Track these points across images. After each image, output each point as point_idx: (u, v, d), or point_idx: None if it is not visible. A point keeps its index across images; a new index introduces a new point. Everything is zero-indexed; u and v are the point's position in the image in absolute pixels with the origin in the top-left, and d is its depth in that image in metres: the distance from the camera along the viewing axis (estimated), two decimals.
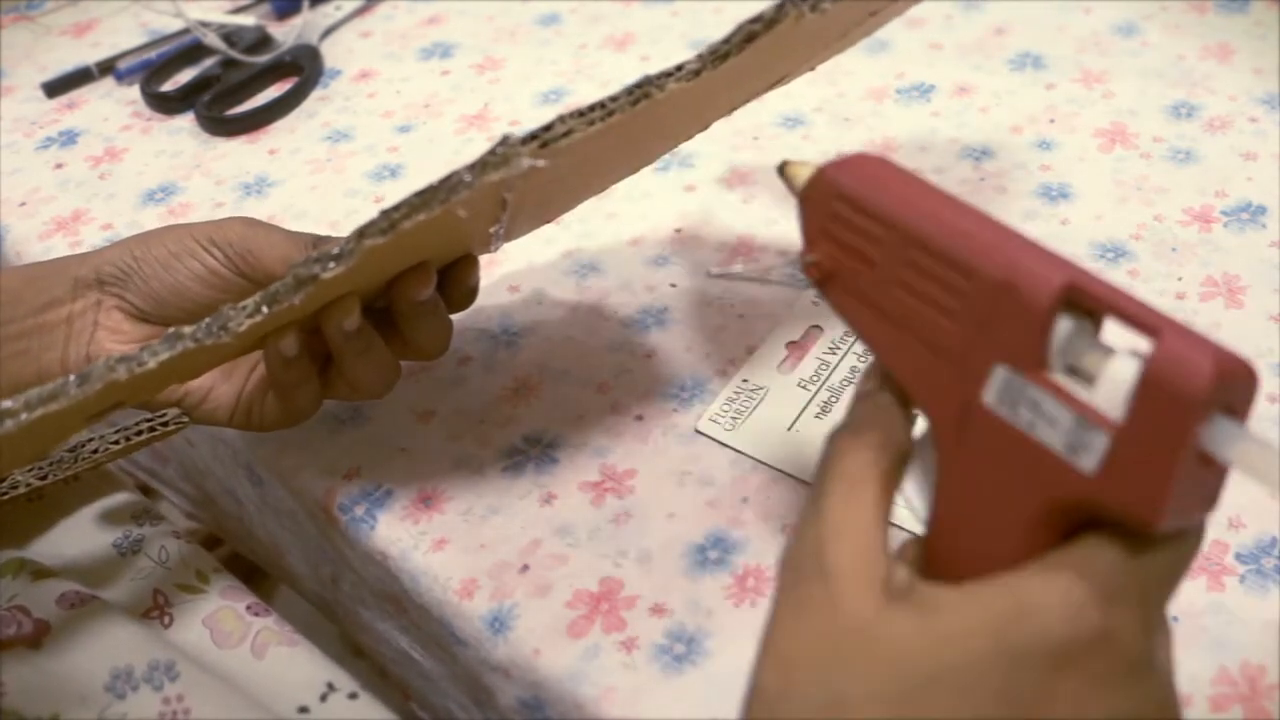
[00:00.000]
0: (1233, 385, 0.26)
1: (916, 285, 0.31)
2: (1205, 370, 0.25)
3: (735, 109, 0.48)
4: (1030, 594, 0.26)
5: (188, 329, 0.35)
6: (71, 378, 0.33)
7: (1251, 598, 0.40)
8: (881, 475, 0.30)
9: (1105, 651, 0.25)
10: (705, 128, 0.48)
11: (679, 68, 0.36)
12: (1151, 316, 0.27)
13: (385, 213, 0.34)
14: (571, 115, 0.35)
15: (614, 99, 0.35)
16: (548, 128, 0.35)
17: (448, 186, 0.34)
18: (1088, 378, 0.27)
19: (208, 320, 0.35)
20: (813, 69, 0.51)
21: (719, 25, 0.71)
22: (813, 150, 0.60)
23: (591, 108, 0.35)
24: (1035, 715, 0.25)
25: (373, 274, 0.40)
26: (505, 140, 0.34)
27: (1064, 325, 0.28)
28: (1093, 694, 0.25)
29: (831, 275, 0.33)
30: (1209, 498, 0.27)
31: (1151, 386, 0.26)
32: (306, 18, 0.74)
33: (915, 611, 0.27)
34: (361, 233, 0.34)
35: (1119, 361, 0.27)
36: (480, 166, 0.34)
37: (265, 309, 0.35)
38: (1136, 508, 0.26)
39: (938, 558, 0.30)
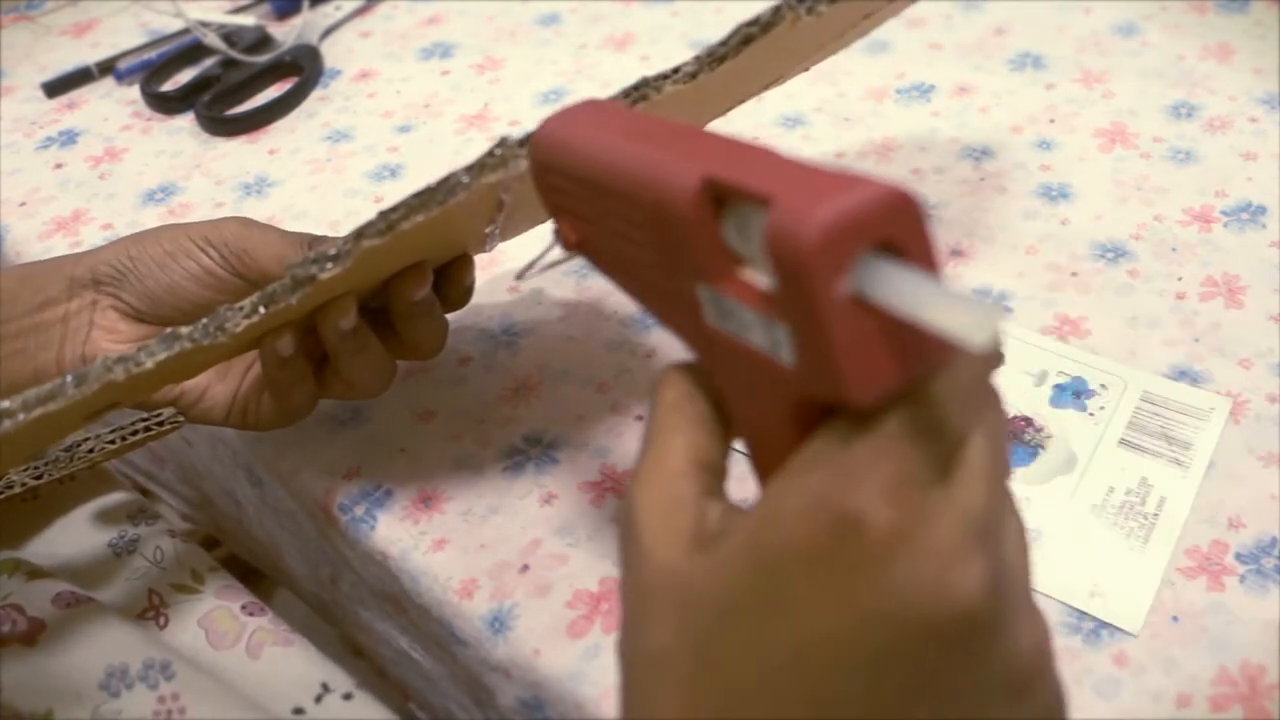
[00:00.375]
0: (872, 223, 0.23)
1: (619, 229, 0.30)
2: (812, 218, 0.22)
3: (731, 109, 0.48)
4: (774, 500, 0.25)
5: (185, 330, 0.35)
6: (69, 378, 0.33)
7: (1251, 598, 0.40)
8: (686, 423, 0.29)
9: (855, 537, 0.24)
10: (701, 129, 0.48)
11: (676, 70, 0.36)
12: (775, 181, 0.24)
13: (383, 214, 0.34)
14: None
15: (611, 100, 0.35)
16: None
17: (446, 188, 0.34)
18: (764, 267, 0.25)
19: (205, 321, 0.35)
20: (807, 69, 0.51)
21: (719, 25, 0.71)
22: (813, 150, 0.60)
23: None
24: (810, 621, 0.24)
25: (369, 274, 0.40)
26: (503, 142, 0.34)
27: (731, 218, 0.26)
28: (856, 583, 0.24)
29: (581, 244, 0.33)
30: (926, 348, 0.24)
31: (776, 256, 0.23)
32: (306, 18, 0.74)
33: (708, 548, 0.26)
34: (359, 233, 0.35)
35: (762, 241, 0.24)
36: (478, 168, 0.34)
37: (262, 309, 0.35)
38: (829, 387, 0.24)
39: (758, 473, 0.29)
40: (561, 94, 0.67)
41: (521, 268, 0.40)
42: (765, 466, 0.28)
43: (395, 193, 0.61)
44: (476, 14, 0.75)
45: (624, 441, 0.47)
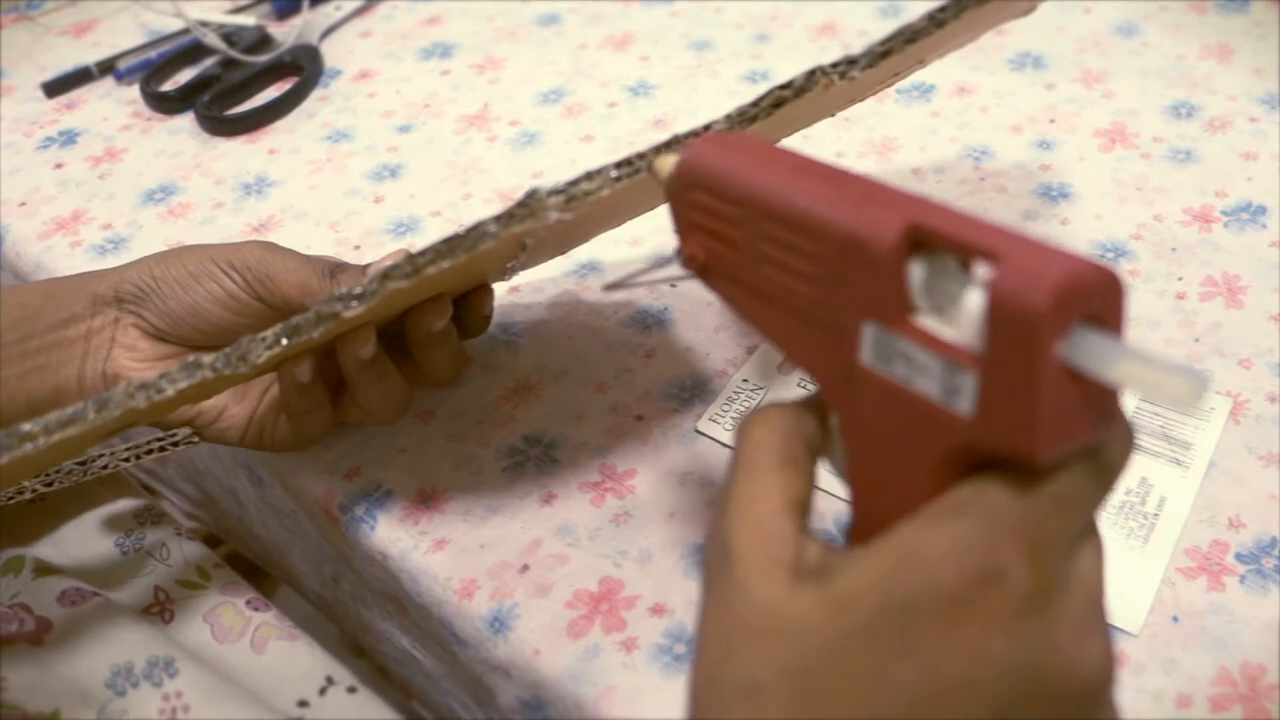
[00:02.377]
0: (1089, 294, 0.24)
1: (777, 258, 0.30)
2: (1045, 282, 0.24)
3: None
4: (914, 543, 0.26)
5: (207, 359, 0.35)
6: (90, 403, 0.34)
7: (1251, 598, 0.40)
8: (782, 459, 0.29)
9: (998, 591, 0.24)
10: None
11: (706, 127, 0.37)
12: (994, 239, 0.25)
13: (411, 258, 0.35)
14: (597, 172, 0.35)
15: (641, 156, 0.36)
16: (576, 182, 0.35)
17: (473, 236, 0.35)
18: (951, 317, 0.26)
19: (227, 350, 0.35)
20: (832, 115, 0.51)
21: (719, 25, 0.71)
22: (814, 150, 0.60)
23: (618, 165, 0.36)
24: (938, 665, 0.25)
25: (391, 308, 0.40)
26: (533, 194, 0.35)
27: (918, 268, 0.27)
28: (991, 636, 0.24)
29: (707, 265, 0.33)
30: (1101, 415, 0.26)
31: (998, 311, 0.25)
32: (306, 18, 0.74)
33: (817, 584, 0.26)
34: (386, 275, 0.35)
35: (970, 293, 0.26)
36: (507, 218, 0.35)
37: (285, 341, 0.36)
38: (1014, 441, 0.25)
39: (858, 525, 0.30)
40: (561, 94, 0.67)
41: (615, 280, 0.40)
42: (879, 509, 0.28)
43: (395, 192, 0.61)
44: (476, 14, 0.75)
45: (624, 441, 0.47)
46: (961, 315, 0.26)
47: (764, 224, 0.30)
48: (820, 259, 0.29)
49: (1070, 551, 0.26)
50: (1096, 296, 0.25)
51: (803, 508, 0.29)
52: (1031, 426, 0.24)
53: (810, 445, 0.30)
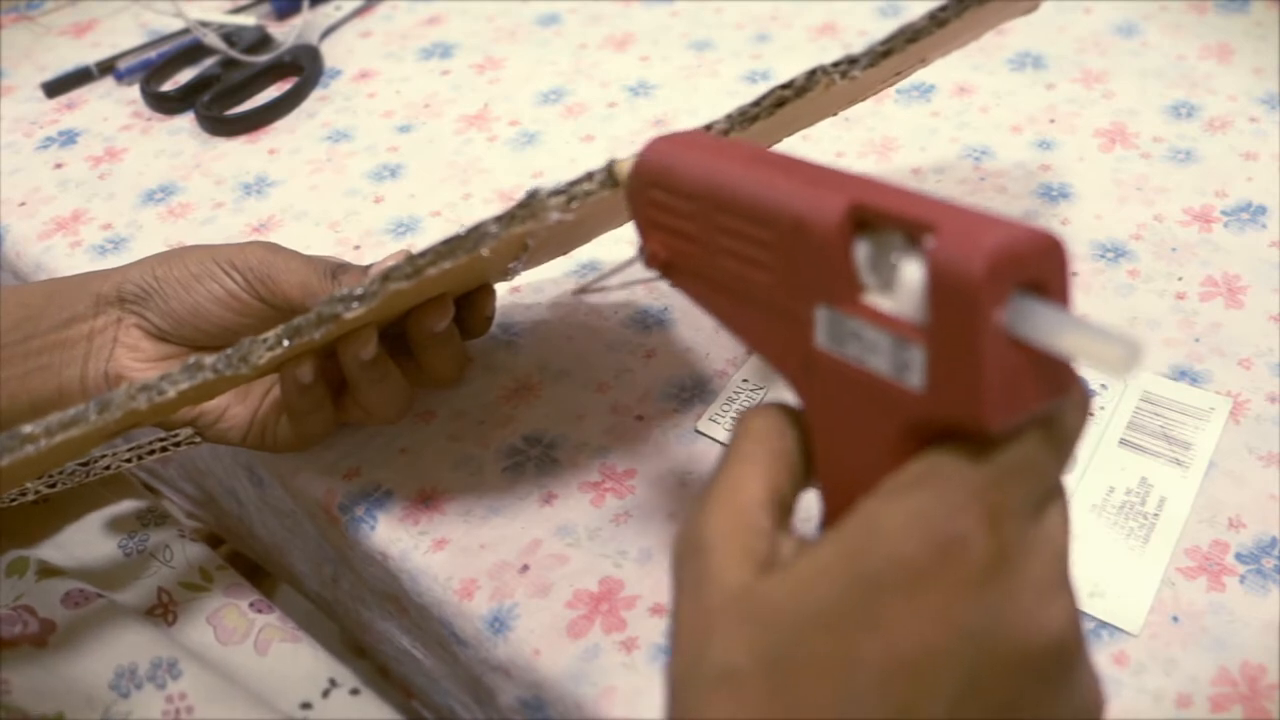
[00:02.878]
0: (1026, 260, 0.24)
1: (731, 248, 0.30)
2: (980, 249, 0.24)
3: None
4: (874, 518, 0.26)
5: (208, 360, 0.35)
6: (92, 405, 0.34)
7: (1251, 598, 0.40)
8: (771, 453, 0.29)
9: (958, 559, 0.24)
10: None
11: (708, 128, 0.37)
12: (933, 212, 0.25)
13: (411, 259, 0.35)
14: (599, 172, 0.35)
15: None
16: (576, 182, 0.35)
17: (474, 237, 0.35)
18: (897, 293, 0.27)
19: (229, 352, 0.36)
20: (834, 115, 0.51)
21: (719, 25, 0.71)
22: (813, 150, 0.60)
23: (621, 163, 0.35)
24: (905, 637, 0.25)
25: (392, 309, 0.40)
26: (534, 194, 0.34)
27: (864, 246, 0.27)
28: (954, 604, 0.24)
29: (670, 263, 0.33)
30: (1053, 383, 0.26)
31: (936, 282, 0.25)
32: (306, 18, 0.74)
33: (784, 568, 0.27)
34: (387, 276, 0.35)
35: (910, 267, 0.26)
36: (508, 219, 0.35)
37: (286, 342, 0.36)
38: (963, 412, 0.25)
39: (828, 512, 0.30)
40: (561, 94, 0.67)
41: (585, 282, 0.40)
42: (845, 492, 0.28)
43: (395, 192, 0.61)
44: (476, 14, 0.75)
45: (624, 441, 0.47)
46: (904, 289, 0.26)
47: (717, 215, 0.31)
48: (770, 245, 0.29)
49: (1032, 516, 0.26)
50: (1036, 262, 0.25)
51: (784, 504, 0.29)
52: (978, 396, 0.24)
53: (804, 443, 0.30)
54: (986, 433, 0.25)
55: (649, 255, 0.34)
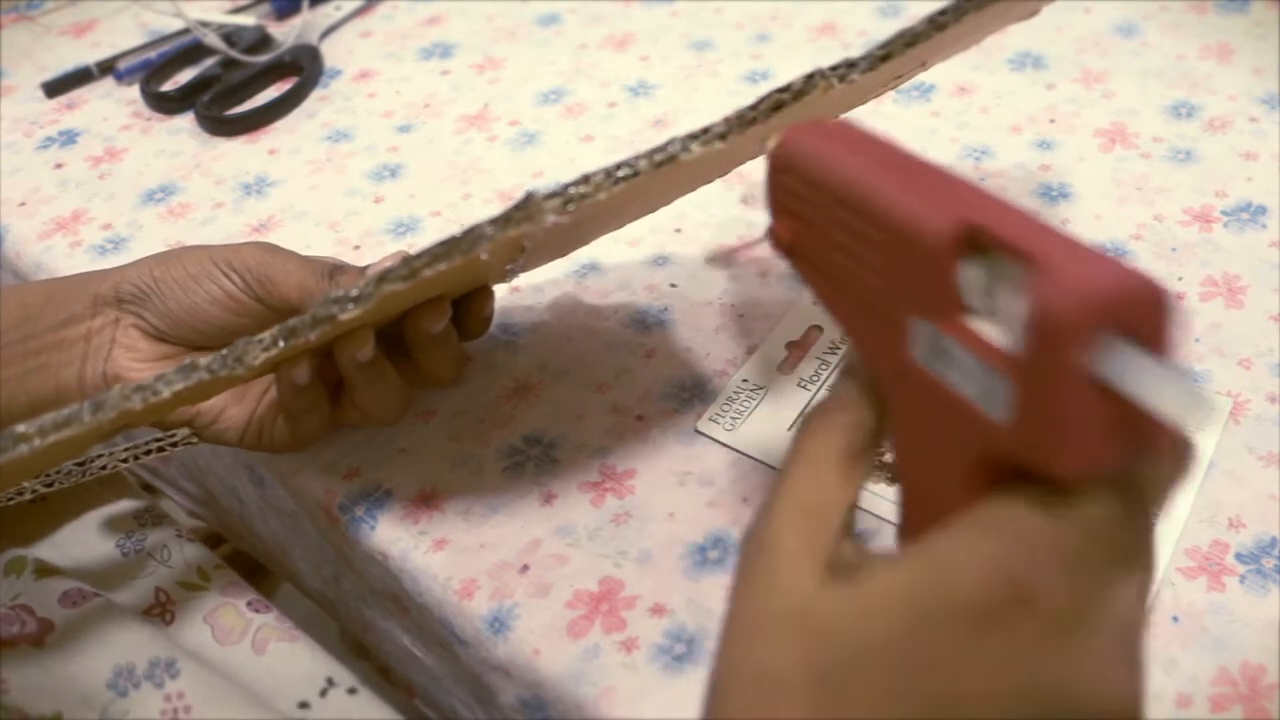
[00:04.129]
0: (1126, 307, 0.24)
1: (846, 244, 0.30)
2: (1078, 290, 0.23)
3: (753, 159, 0.48)
4: (943, 554, 0.25)
5: (203, 360, 0.35)
6: (86, 405, 0.33)
7: (1251, 598, 0.40)
8: (841, 455, 0.29)
9: (1027, 611, 0.24)
10: (724, 174, 0.49)
11: (705, 130, 0.36)
12: (1043, 243, 0.25)
13: (407, 260, 0.35)
14: (596, 174, 0.35)
15: (638, 159, 0.36)
16: (573, 185, 0.35)
17: (470, 239, 0.35)
18: (1002, 322, 0.26)
19: (224, 352, 0.35)
20: (835, 118, 0.51)
21: (719, 25, 0.71)
22: None
23: (616, 167, 0.35)
24: (960, 679, 0.24)
25: (388, 310, 0.40)
26: (530, 196, 0.34)
27: (977, 268, 0.27)
28: (1014, 654, 0.24)
29: (792, 246, 0.33)
30: (1141, 437, 0.25)
31: (1033, 317, 0.24)
32: (306, 18, 0.74)
33: (847, 584, 0.26)
34: (382, 277, 0.35)
35: (1013, 296, 0.25)
36: (504, 221, 0.35)
37: (281, 343, 0.36)
38: (1043, 454, 0.24)
39: (905, 522, 0.30)
40: (561, 94, 0.67)
41: (717, 252, 0.40)
42: (921, 508, 0.28)
43: (395, 192, 0.61)
44: (476, 14, 0.75)
45: (624, 441, 0.47)
46: (1005, 318, 0.26)
47: (836, 210, 0.31)
48: (881, 249, 0.29)
49: (1108, 579, 0.25)
50: (1136, 309, 0.24)
51: (852, 508, 0.29)
52: (1060, 439, 0.24)
53: (871, 442, 0.30)
54: (1063, 479, 0.25)
55: (774, 236, 0.34)
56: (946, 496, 0.27)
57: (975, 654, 0.24)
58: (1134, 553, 0.26)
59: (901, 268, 0.28)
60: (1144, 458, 0.25)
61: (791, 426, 0.47)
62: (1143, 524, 0.26)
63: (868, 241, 0.29)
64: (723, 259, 0.40)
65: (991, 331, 0.26)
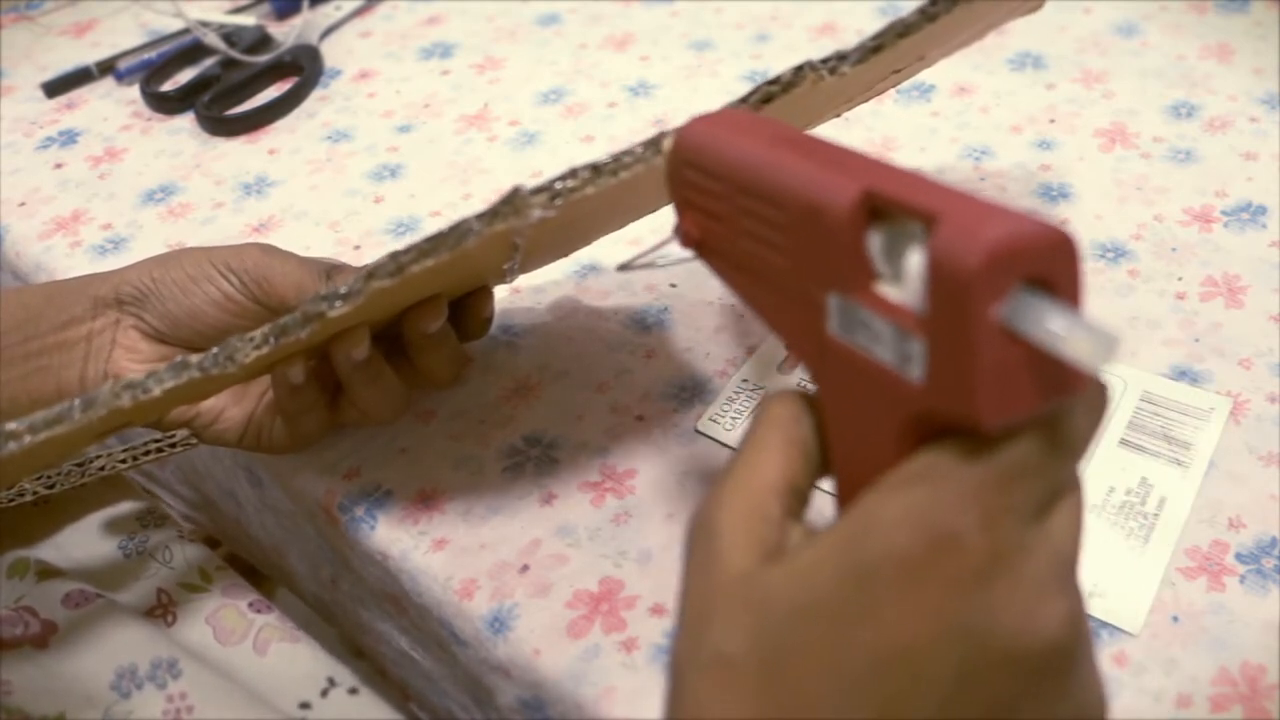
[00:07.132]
0: (1030, 255, 0.23)
1: (753, 230, 0.30)
2: (979, 241, 0.23)
3: None
4: (870, 509, 0.26)
5: (195, 358, 0.35)
6: (76, 402, 0.33)
7: (1251, 598, 0.40)
8: (787, 440, 0.29)
9: (952, 556, 0.24)
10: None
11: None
12: (941, 201, 0.25)
13: (394, 255, 0.35)
14: (585, 169, 0.35)
15: (628, 153, 0.35)
16: (559, 180, 0.35)
17: (456, 234, 0.35)
18: (905, 283, 0.26)
19: (215, 350, 0.35)
20: (839, 115, 0.51)
21: (719, 25, 0.71)
22: None
23: (606, 161, 0.35)
24: (896, 630, 0.25)
25: (383, 309, 0.40)
26: (517, 191, 0.34)
27: (878, 235, 0.27)
28: (947, 600, 0.24)
29: (702, 241, 0.33)
30: (1056, 382, 0.25)
31: (936, 273, 0.24)
32: (306, 18, 0.74)
33: (786, 559, 0.27)
34: (370, 274, 0.35)
35: (916, 257, 0.25)
36: (490, 216, 0.35)
37: (272, 341, 0.36)
38: (959, 408, 0.24)
39: (840, 500, 0.30)
40: (561, 94, 0.67)
41: (628, 260, 0.40)
42: (854, 483, 0.28)
43: (395, 192, 0.61)
44: (476, 14, 0.75)
45: (624, 442, 0.47)
46: (911, 279, 0.26)
47: (739, 197, 0.31)
48: (786, 229, 0.29)
49: (1033, 517, 0.26)
50: (1041, 258, 0.24)
51: (798, 492, 0.29)
52: (973, 392, 0.24)
53: (820, 431, 0.30)
54: (983, 429, 0.25)
55: (683, 234, 0.34)
56: (876, 468, 0.27)
57: (907, 602, 0.25)
58: (1062, 486, 0.26)
59: (809, 245, 0.28)
60: (1062, 402, 0.25)
61: None
62: (1067, 459, 0.26)
63: (773, 224, 0.29)
64: (629, 267, 0.40)
65: (904, 295, 0.26)
